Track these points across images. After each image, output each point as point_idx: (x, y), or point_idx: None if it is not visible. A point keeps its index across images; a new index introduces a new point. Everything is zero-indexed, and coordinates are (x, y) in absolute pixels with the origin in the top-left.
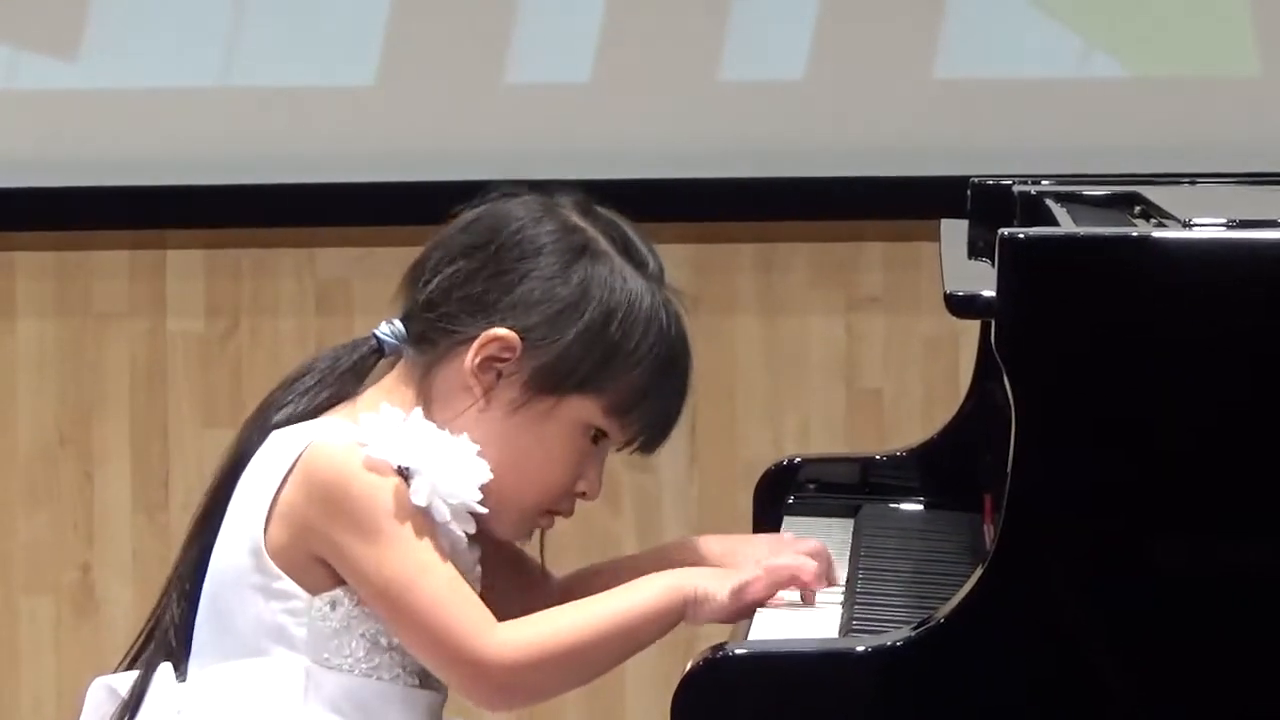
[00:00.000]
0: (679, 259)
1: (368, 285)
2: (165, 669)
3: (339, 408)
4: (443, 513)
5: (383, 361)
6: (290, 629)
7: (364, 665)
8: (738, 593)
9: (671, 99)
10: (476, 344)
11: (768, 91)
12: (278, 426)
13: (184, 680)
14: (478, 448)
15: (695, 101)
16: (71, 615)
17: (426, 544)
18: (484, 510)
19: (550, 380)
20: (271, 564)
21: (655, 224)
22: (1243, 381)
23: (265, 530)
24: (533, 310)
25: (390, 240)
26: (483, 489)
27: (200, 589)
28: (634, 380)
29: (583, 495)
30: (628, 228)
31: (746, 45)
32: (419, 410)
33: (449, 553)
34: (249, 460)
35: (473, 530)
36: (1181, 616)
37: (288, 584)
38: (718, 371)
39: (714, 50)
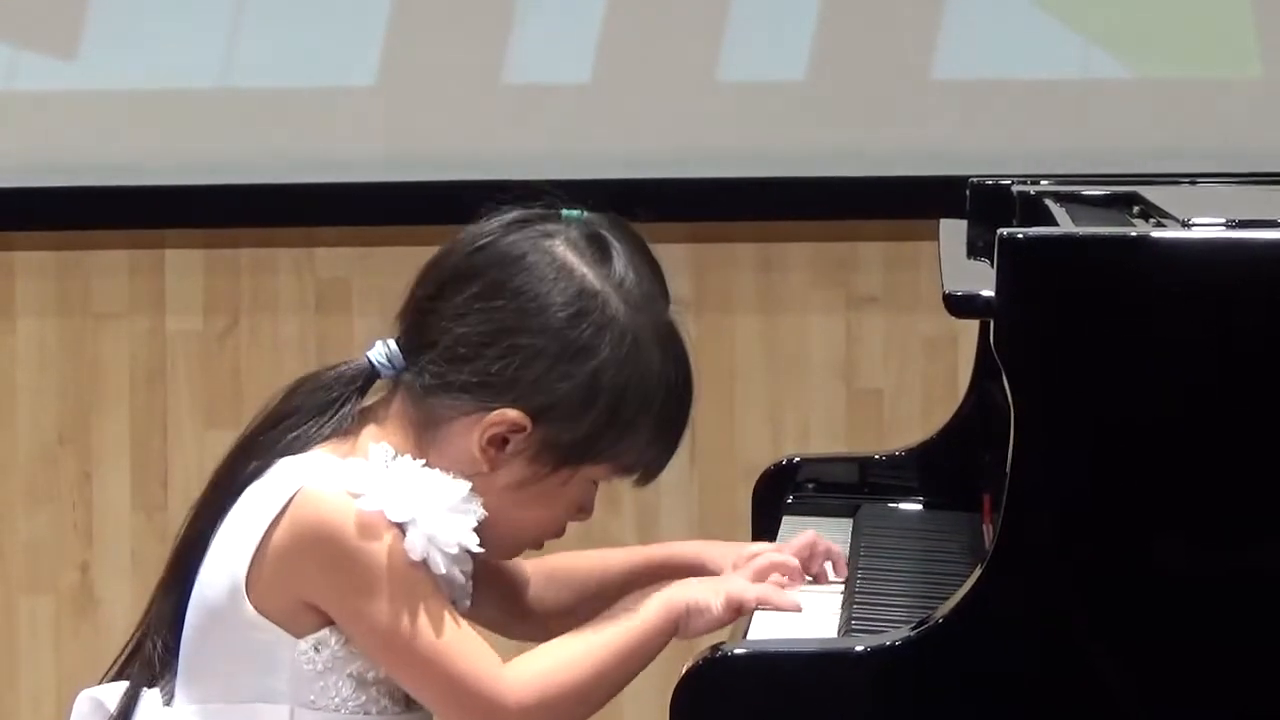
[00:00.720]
0: (679, 259)
1: (368, 285)
2: (151, 695)
3: (333, 440)
4: (439, 565)
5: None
6: (272, 669)
7: (351, 704)
8: (731, 598)
9: (671, 99)
10: (485, 422)
11: (768, 91)
12: (266, 456)
13: (169, 702)
14: (470, 485)
15: (695, 101)
16: (71, 615)
17: (425, 594)
18: (481, 550)
19: (564, 459)
20: (250, 609)
21: (655, 224)
22: (1242, 381)
23: (250, 570)
24: (545, 391)
25: (390, 240)
26: (486, 534)
27: (184, 612)
28: (644, 440)
29: (578, 520)
30: (634, 253)
31: (746, 45)
32: (407, 456)
33: (446, 591)
34: (237, 492)
35: (469, 569)
36: (1181, 616)
37: (269, 626)
38: (718, 371)
39: (714, 50)
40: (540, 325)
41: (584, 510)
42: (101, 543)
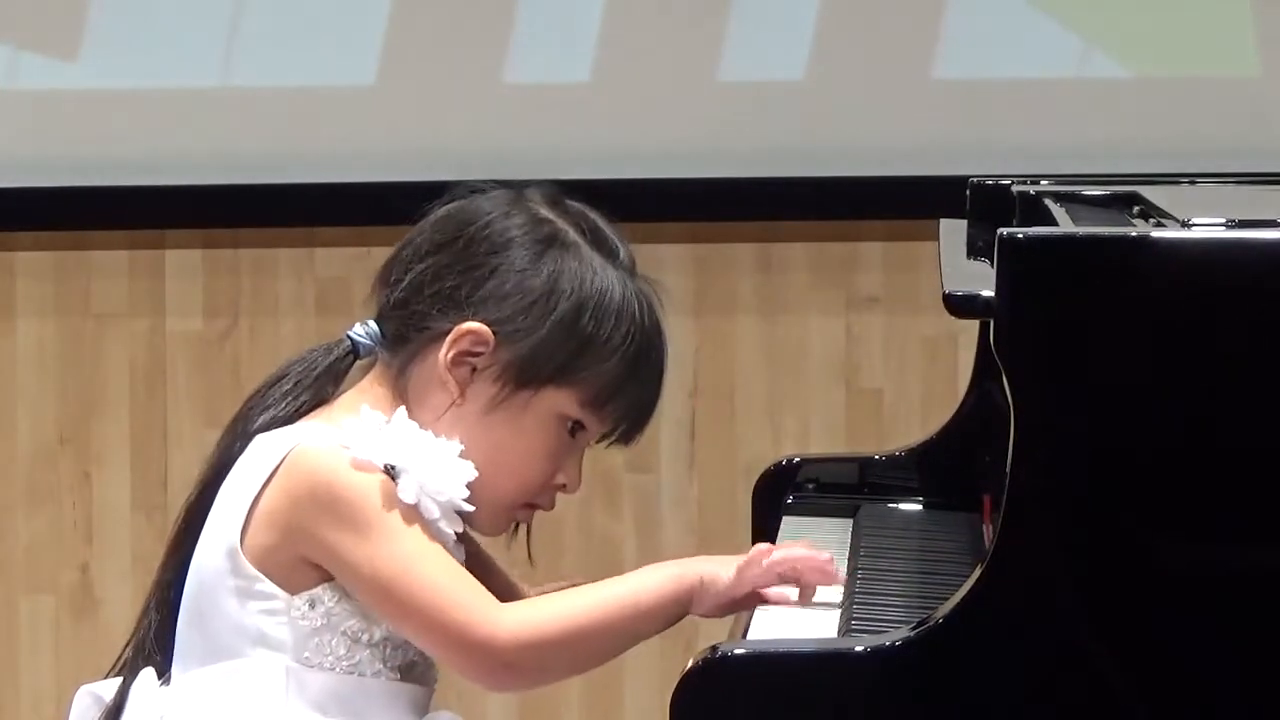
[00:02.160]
0: (679, 259)
1: (367, 285)
2: (147, 674)
3: (316, 412)
4: (432, 510)
5: (359, 363)
6: (269, 630)
7: (345, 663)
8: (741, 571)
9: (671, 99)
10: (449, 339)
11: (768, 91)
12: (258, 432)
13: (166, 685)
14: (461, 447)
15: (695, 101)
16: (71, 615)
17: (418, 533)
18: (471, 508)
19: (525, 373)
20: (248, 565)
21: (655, 224)
22: (1241, 381)
23: (244, 533)
24: (504, 303)
25: (390, 240)
26: (472, 491)
27: (181, 595)
28: (609, 371)
29: (562, 488)
30: (598, 219)
31: (746, 45)
32: (401, 411)
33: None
34: (230, 467)
35: (460, 529)
36: (1180, 616)
37: (266, 585)
38: (717, 371)
39: (714, 50)
40: (496, 244)
41: (568, 475)
42: (101, 543)
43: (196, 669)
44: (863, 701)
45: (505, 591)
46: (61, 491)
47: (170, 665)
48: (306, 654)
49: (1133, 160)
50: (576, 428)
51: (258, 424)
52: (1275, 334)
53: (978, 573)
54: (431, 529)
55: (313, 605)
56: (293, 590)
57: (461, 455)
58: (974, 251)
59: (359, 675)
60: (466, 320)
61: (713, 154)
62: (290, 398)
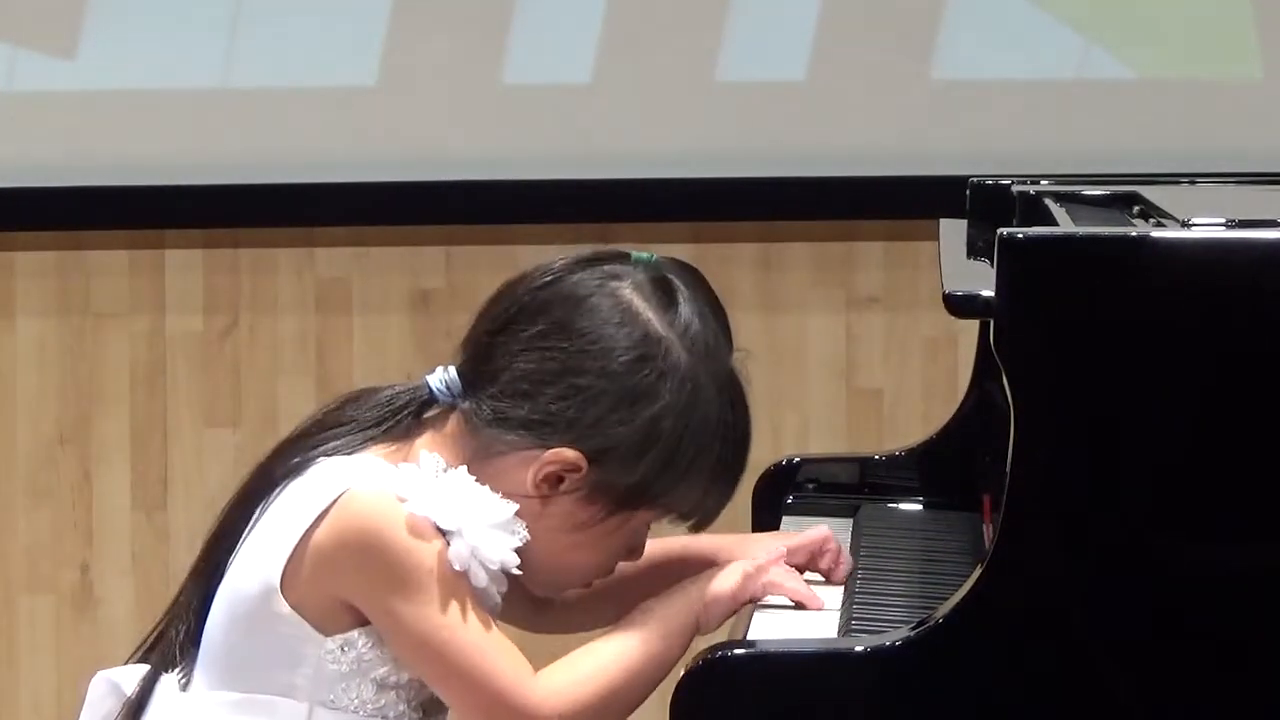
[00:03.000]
0: (679, 259)
1: (367, 284)
2: (169, 681)
3: (384, 445)
4: (481, 579)
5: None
6: (297, 668)
7: (370, 706)
8: (749, 576)
9: (671, 99)
10: (542, 460)
11: (768, 92)
12: (320, 455)
13: (185, 686)
14: (516, 506)
15: (695, 101)
16: (71, 614)
17: (463, 598)
18: (519, 573)
19: (617, 502)
20: (282, 600)
21: (655, 224)
22: (1241, 381)
23: (287, 567)
24: (601, 434)
25: (390, 240)
26: (529, 563)
27: (210, 601)
28: (702, 485)
29: (630, 560)
30: (699, 299)
31: (746, 45)
32: (464, 468)
33: (480, 598)
34: (283, 484)
35: (504, 589)
36: (1180, 616)
37: (300, 626)
38: None
39: (714, 51)
40: (602, 368)
41: (634, 551)
42: (101, 542)
43: (219, 690)
44: (863, 701)
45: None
46: (61, 491)
47: (191, 671)
48: (332, 696)
49: (1133, 160)
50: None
51: (323, 449)
52: (1275, 334)
53: (978, 573)
54: (477, 592)
55: (344, 649)
56: (327, 631)
57: (534, 546)
58: (974, 251)
59: (383, 718)
60: (563, 445)
61: (713, 154)
62: (358, 428)
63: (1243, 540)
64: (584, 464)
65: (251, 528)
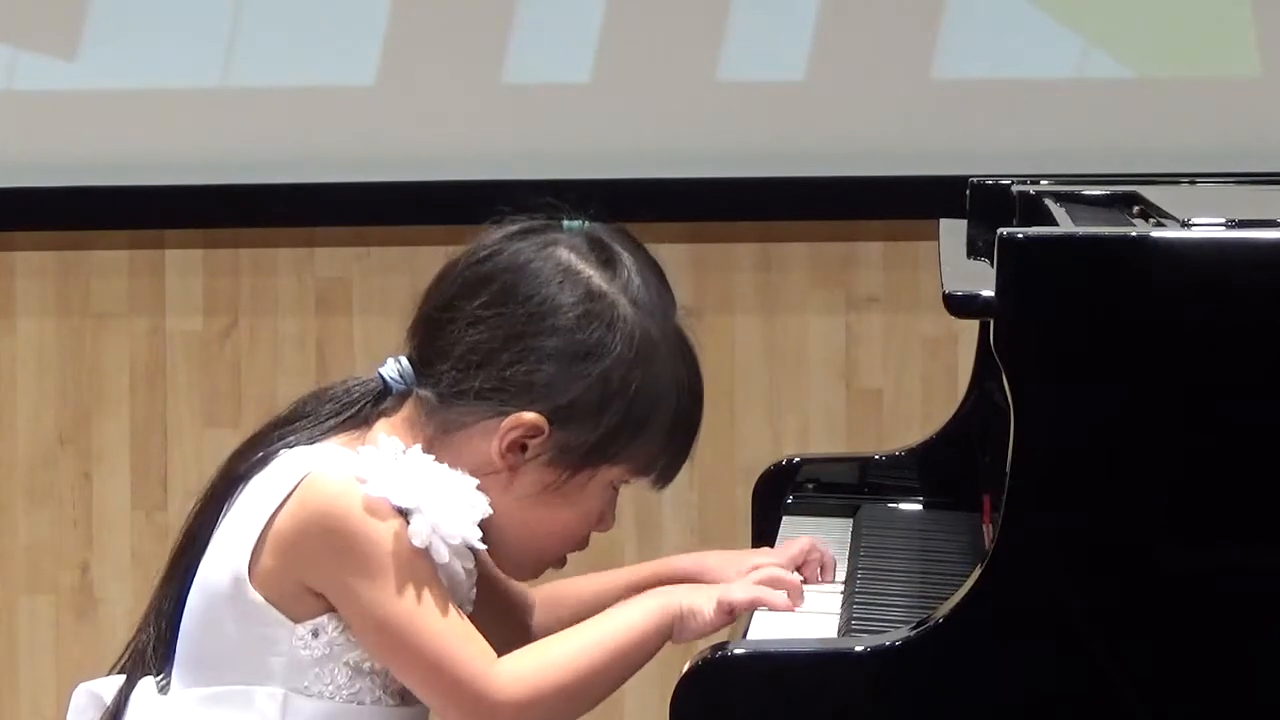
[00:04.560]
0: (679, 259)
1: (368, 285)
2: (146, 684)
3: (344, 434)
4: (442, 554)
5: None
6: (270, 656)
7: (345, 692)
8: (723, 602)
9: (671, 99)
10: (504, 426)
11: (768, 91)
12: (281, 448)
13: (165, 689)
14: (475, 481)
15: (695, 101)
16: (70, 615)
17: (426, 582)
18: (483, 547)
19: (582, 460)
20: (252, 589)
21: (655, 224)
22: (1241, 381)
23: (253, 555)
24: (558, 393)
25: (390, 240)
26: (502, 539)
27: (184, 606)
28: (661, 439)
29: (600, 530)
30: (638, 259)
31: (746, 45)
32: (418, 446)
33: (447, 585)
34: (244, 480)
35: (472, 565)
36: (1180, 616)
37: (270, 612)
38: (717, 371)
39: (714, 50)
40: (551, 325)
41: (604, 520)
42: (101, 543)
43: (194, 688)
44: (863, 701)
45: (520, 601)
46: (61, 491)
47: (170, 674)
48: (306, 683)
49: (1133, 160)
50: (621, 483)
51: (284, 441)
52: (1275, 334)
53: (978, 573)
54: (441, 569)
55: (316, 634)
56: (297, 618)
57: (500, 519)
58: (974, 251)
59: (358, 704)
60: (521, 409)
61: (713, 154)
62: (316, 420)
63: (1243, 540)
64: (545, 425)
65: (218, 525)
